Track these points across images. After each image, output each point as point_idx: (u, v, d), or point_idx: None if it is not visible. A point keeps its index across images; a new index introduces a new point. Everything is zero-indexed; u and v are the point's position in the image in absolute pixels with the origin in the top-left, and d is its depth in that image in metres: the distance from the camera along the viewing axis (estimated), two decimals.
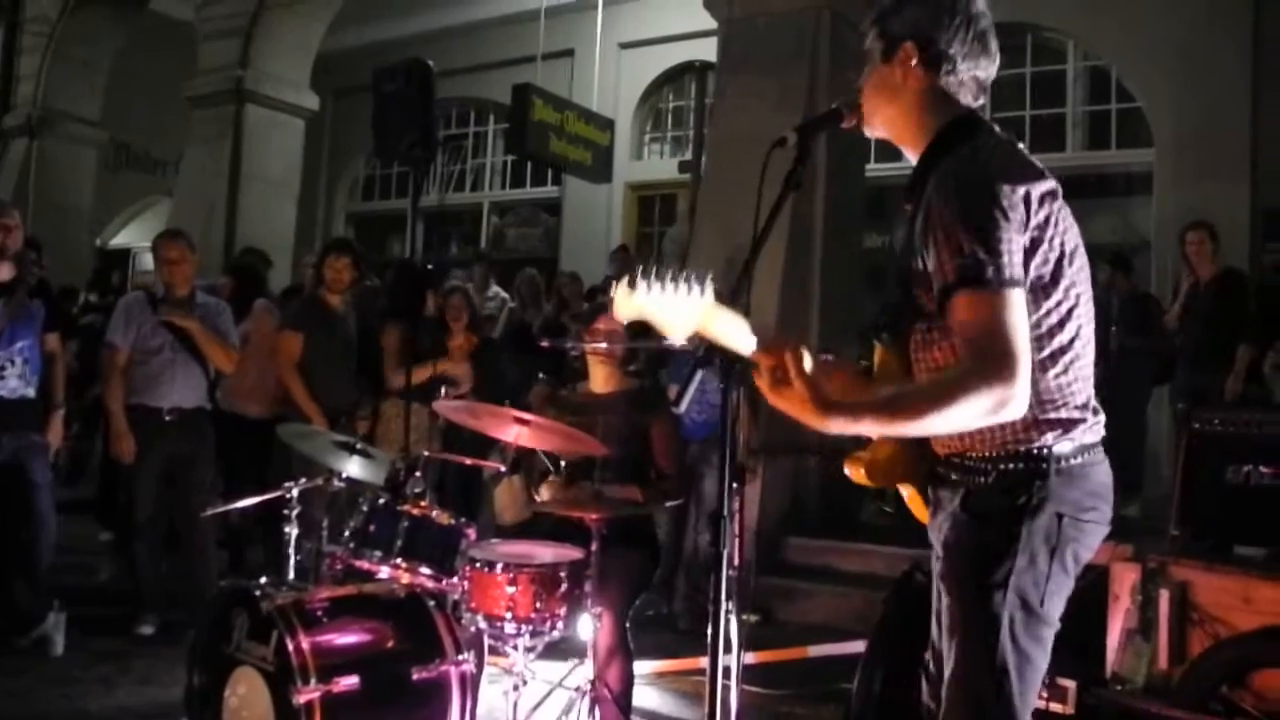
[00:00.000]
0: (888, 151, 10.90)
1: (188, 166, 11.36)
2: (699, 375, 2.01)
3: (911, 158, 2.21)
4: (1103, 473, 2.10)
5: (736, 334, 1.95)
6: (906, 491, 2.30)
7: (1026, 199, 1.95)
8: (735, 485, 3.54)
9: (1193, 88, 8.76)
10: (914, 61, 2.13)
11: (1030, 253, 1.96)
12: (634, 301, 1.84)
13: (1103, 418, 2.11)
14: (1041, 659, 2.06)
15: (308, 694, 3.04)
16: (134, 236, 15.74)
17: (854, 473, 2.26)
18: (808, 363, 1.95)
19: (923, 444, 2.18)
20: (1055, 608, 2.06)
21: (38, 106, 12.70)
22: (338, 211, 14.81)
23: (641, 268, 1.91)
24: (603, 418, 3.91)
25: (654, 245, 11.78)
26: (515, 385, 6.56)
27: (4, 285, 5.00)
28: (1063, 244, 2.01)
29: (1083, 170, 9.78)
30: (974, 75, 2.14)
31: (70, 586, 5.70)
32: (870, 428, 2.03)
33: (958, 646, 2.07)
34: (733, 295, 2.05)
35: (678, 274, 1.87)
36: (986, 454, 2.05)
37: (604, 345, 3.91)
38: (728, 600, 3.33)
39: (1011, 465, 2.03)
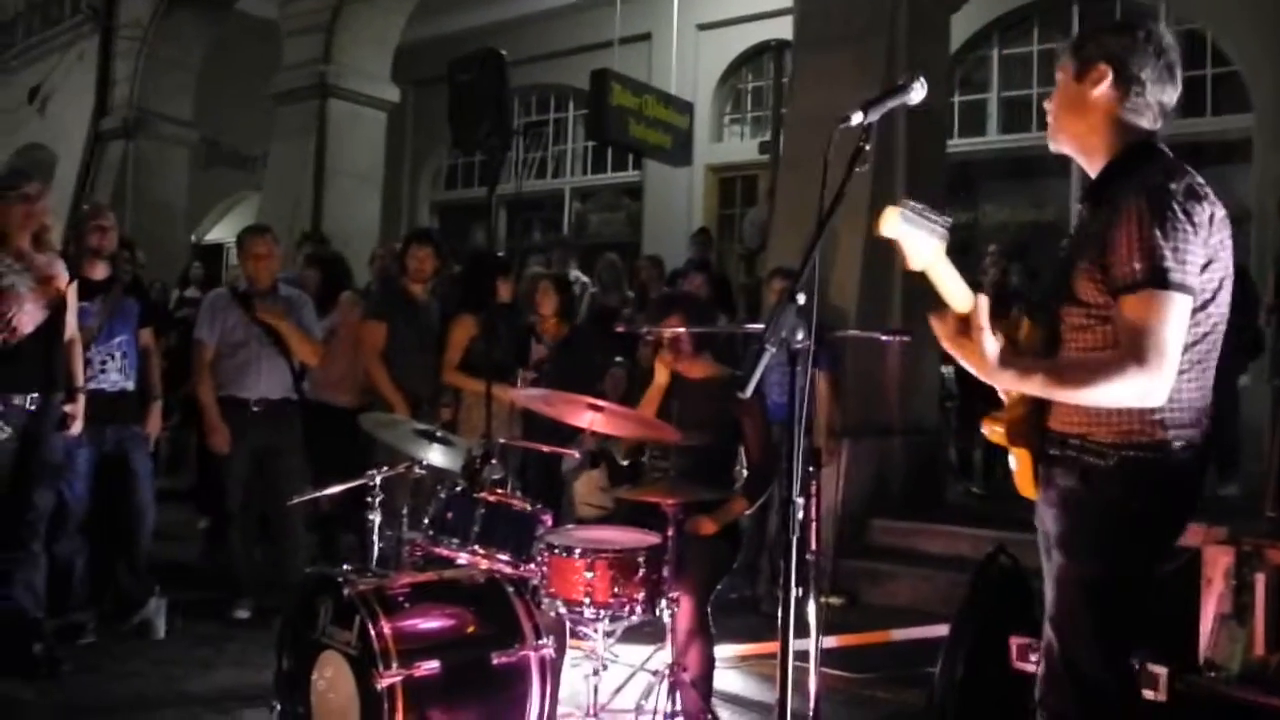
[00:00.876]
0: (970, 126, 10.74)
1: (274, 162, 11.60)
2: (765, 358, 2.00)
3: (1089, 170, 2.44)
4: (1199, 469, 2.36)
5: (953, 283, 2.30)
6: (1019, 456, 2.52)
7: (1212, 220, 2.22)
8: (811, 469, 3.51)
9: None
10: (1106, 82, 2.35)
11: (1204, 269, 2.22)
12: (896, 219, 2.18)
13: (1209, 423, 2.35)
14: (1137, 623, 2.37)
15: (390, 678, 3.09)
16: (228, 232, 16.16)
17: (992, 431, 2.53)
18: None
19: (1043, 416, 2.43)
20: (1148, 576, 2.39)
21: (133, 108, 13.06)
22: (422, 201, 15.00)
23: (910, 202, 2.23)
24: (679, 403, 3.90)
25: (735, 227, 11.72)
26: (601, 369, 6.60)
27: (101, 283, 5.17)
28: (1226, 268, 2.28)
29: (1177, 138, 9.20)
30: (1159, 100, 2.36)
31: (170, 572, 5.90)
32: (1033, 386, 2.29)
33: (1062, 598, 2.36)
34: (799, 274, 2.08)
35: (926, 211, 2.21)
36: (1108, 440, 2.29)
37: (678, 330, 3.90)
38: (804, 584, 3.32)
39: (1132, 454, 2.27)
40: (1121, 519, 2.30)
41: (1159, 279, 2.14)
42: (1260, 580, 3.33)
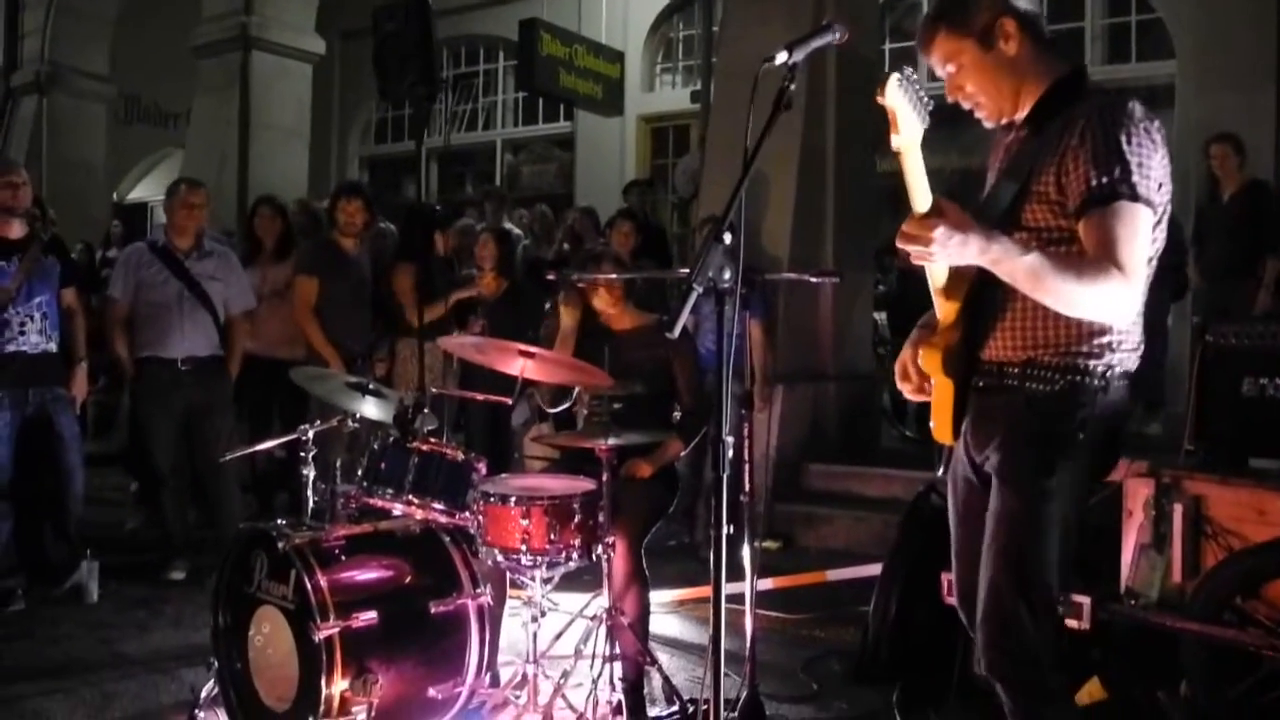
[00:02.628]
0: None
1: (197, 117, 11.30)
2: (691, 298, 2.01)
3: (1022, 111, 2.38)
4: (1132, 396, 2.34)
5: (921, 177, 2.14)
6: (942, 388, 2.42)
7: (1163, 138, 2.21)
8: (743, 411, 3.55)
9: None
10: (1019, 30, 2.32)
11: (1159, 188, 2.19)
12: (894, 86, 2.06)
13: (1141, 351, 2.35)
14: (1071, 543, 2.33)
15: (327, 630, 3.08)
16: (150, 190, 15.76)
17: (929, 359, 2.39)
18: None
19: (973, 346, 2.36)
20: (1086, 498, 2.38)
21: (45, 63, 12.62)
22: (351, 156, 14.72)
23: (909, 71, 2.09)
24: (610, 352, 3.91)
25: (668, 177, 11.69)
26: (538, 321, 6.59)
27: (17, 243, 5.03)
28: (1170, 193, 2.25)
29: (1103, 84, 9.46)
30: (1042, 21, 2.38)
31: (102, 536, 5.81)
32: (1019, 268, 2.14)
33: (1006, 534, 2.29)
34: (724, 215, 2.08)
35: (921, 92, 2.10)
36: (1054, 363, 2.26)
37: (608, 276, 3.91)
38: (737, 524, 3.36)
39: (1077, 378, 2.24)
40: (1063, 443, 2.25)
41: (1129, 190, 2.13)
42: (1178, 510, 3.44)
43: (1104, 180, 2.13)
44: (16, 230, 5.04)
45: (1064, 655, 2.38)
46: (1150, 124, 2.18)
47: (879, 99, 2.11)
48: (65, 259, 5.45)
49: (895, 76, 2.07)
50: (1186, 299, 7.59)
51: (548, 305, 6.44)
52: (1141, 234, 2.14)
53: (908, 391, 2.53)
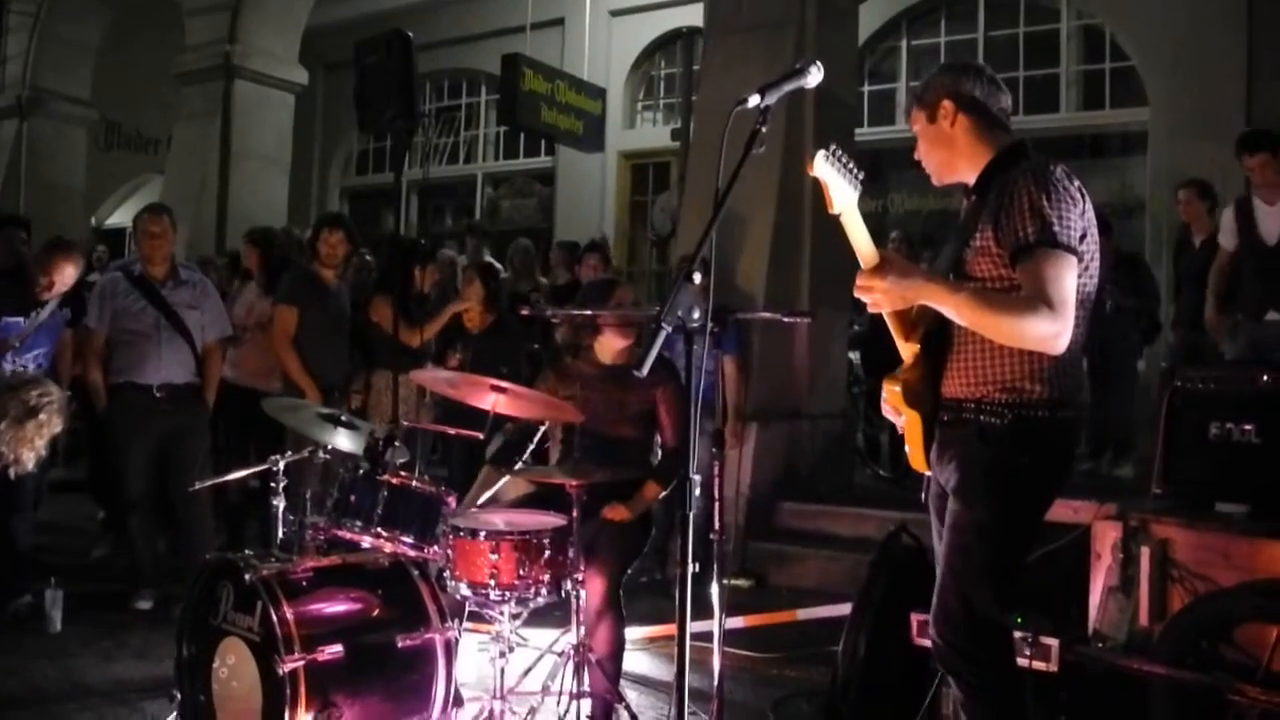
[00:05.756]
0: (880, 116, 10.89)
1: (178, 144, 11.31)
2: (660, 337, 2.02)
3: (969, 178, 2.78)
4: (1079, 427, 2.74)
5: (862, 236, 2.55)
6: (911, 419, 2.73)
7: (1084, 195, 2.59)
8: (714, 450, 3.56)
9: (1187, 44, 8.66)
10: (954, 111, 2.73)
11: (1081, 239, 2.54)
12: (821, 161, 2.41)
13: (1086, 394, 2.76)
14: (1019, 553, 2.70)
15: (292, 663, 3.06)
16: (129, 216, 15.67)
17: (891, 393, 2.74)
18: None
19: (936, 381, 2.70)
20: (1038, 522, 2.71)
21: (26, 87, 12.63)
22: (332, 187, 14.73)
23: (834, 147, 2.45)
24: (583, 390, 3.91)
25: (648, 214, 11.74)
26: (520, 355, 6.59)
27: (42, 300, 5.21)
28: (1095, 242, 2.60)
29: (1078, 131, 9.73)
30: (999, 108, 2.77)
31: (68, 564, 5.74)
32: (956, 304, 2.52)
33: (958, 541, 2.64)
34: (695, 254, 2.10)
35: (848, 162, 2.44)
36: (1003, 401, 2.58)
37: (578, 313, 3.91)
38: (706, 564, 3.36)
39: (1025, 412, 2.57)
40: (1013, 471, 2.58)
41: (1050, 239, 2.47)
42: (1145, 553, 3.46)
43: (1030, 232, 2.49)
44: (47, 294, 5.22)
45: (1007, 651, 2.72)
46: (1070, 183, 2.57)
47: (809, 172, 2.43)
48: (81, 306, 5.53)
49: (821, 152, 2.41)
50: (1158, 343, 7.67)
51: (534, 345, 6.45)
52: (1066, 275, 2.48)
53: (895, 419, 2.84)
